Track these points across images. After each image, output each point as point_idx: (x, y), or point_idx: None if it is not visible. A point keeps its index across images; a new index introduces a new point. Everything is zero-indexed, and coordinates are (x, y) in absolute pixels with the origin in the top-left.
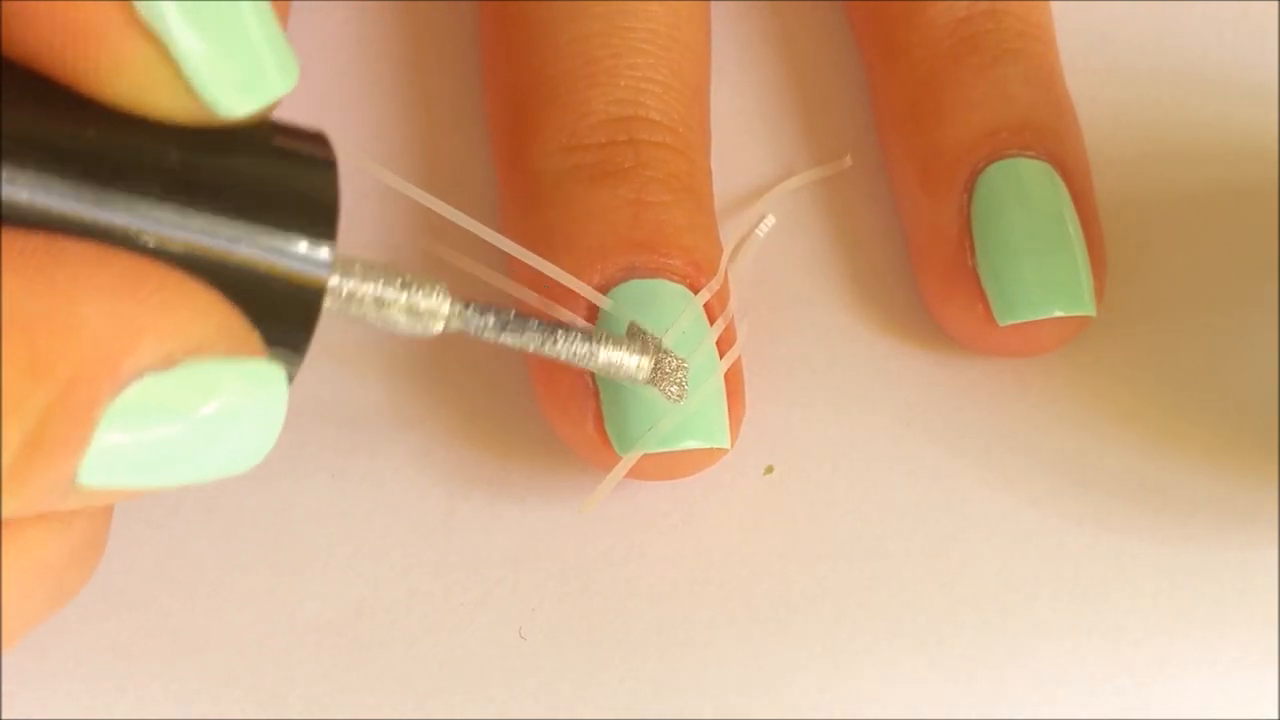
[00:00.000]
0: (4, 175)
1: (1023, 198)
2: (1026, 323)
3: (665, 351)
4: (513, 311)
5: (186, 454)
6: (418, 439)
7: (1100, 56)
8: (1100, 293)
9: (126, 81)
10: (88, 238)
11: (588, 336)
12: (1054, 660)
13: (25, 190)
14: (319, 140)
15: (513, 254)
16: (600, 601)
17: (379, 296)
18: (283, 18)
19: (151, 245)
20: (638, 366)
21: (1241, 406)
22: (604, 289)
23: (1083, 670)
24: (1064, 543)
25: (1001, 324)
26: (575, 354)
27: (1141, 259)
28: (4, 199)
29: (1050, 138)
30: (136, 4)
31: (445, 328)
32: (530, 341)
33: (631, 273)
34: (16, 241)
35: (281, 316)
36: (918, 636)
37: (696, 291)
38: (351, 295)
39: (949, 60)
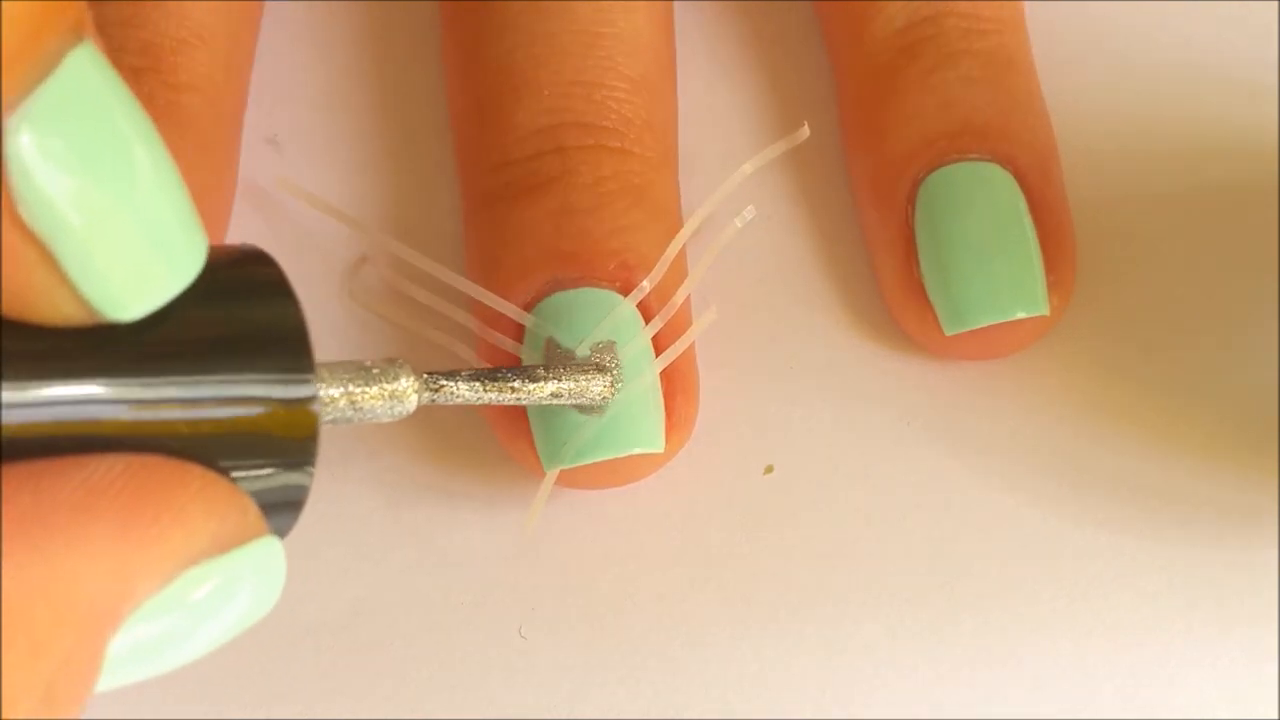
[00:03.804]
0: None
1: (963, 205)
2: (977, 329)
3: (579, 363)
4: (477, 371)
5: (188, 641)
6: (418, 439)
7: (1099, 56)
8: (1068, 288)
9: (7, 291)
10: (59, 445)
11: (539, 376)
12: (1054, 660)
13: None
14: (260, 259)
15: (441, 277)
16: (600, 601)
17: (349, 394)
18: (255, 19)
19: (127, 435)
20: (600, 394)
21: (1241, 406)
22: (530, 306)
23: (1083, 670)
24: (1064, 543)
25: (948, 334)
26: (533, 395)
27: (1141, 258)
28: None
29: (995, 137)
30: (20, 207)
31: (417, 403)
32: (495, 396)
33: (556, 285)
34: (5, 508)
35: (277, 454)
36: (917, 636)
37: (630, 292)
38: (324, 404)
39: (889, 72)
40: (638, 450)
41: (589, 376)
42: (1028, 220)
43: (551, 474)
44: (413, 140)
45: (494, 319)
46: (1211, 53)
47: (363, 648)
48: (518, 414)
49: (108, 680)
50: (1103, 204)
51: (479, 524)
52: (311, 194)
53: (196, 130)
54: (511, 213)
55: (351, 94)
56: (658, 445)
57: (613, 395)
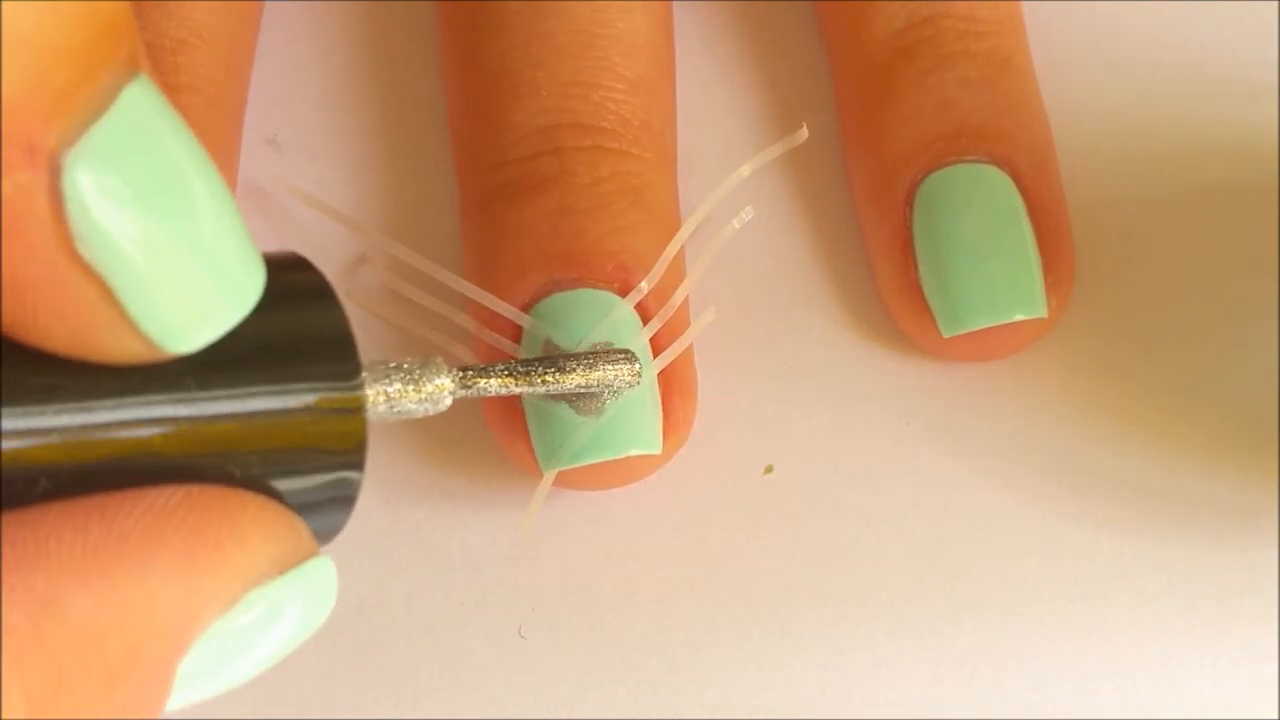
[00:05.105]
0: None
1: (960, 207)
2: (975, 331)
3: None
4: (508, 365)
5: (244, 661)
6: (418, 439)
7: (1099, 56)
8: (1066, 290)
9: (67, 330)
10: (117, 468)
11: (569, 367)
12: (1054, 660)
13: (58, 439)
14: (301, 266)
15: (438, 278)
16: (600, 601)
17: (388, 393)
18: (255, 19)
19: (180, 453)
20: (628, 381)
21: (1241, 406)
22: (528, 306)
23: (1083, 670)
24: (1064, 543)
25: (946, 335)
26: (563, 385)
27: (1141, 258)
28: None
29: (992, 139)
30: (79, 244)
31: (451, 401)
32: (526, 389)
33: (555, 286)
34: (76, 540)
35: (328, 458)
36: (917, 636)
37: (629, 293)
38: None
39: (886, 74)
40: (635, 451)
41: (616, 364)
42: (1026, 222)
43: (549, 475)
44: (412, 140)
45: (491, 319)
46: (1211, 53)
47: (363, 648)
48: (515, 416)
49: (172, 702)
50: (1102, 204)
51: (479, 524)
52: (310, 195)
53: (197, 131)
54: (509, 213)
55: (351, 94)
56: (655, 446)
57: (639, 382)
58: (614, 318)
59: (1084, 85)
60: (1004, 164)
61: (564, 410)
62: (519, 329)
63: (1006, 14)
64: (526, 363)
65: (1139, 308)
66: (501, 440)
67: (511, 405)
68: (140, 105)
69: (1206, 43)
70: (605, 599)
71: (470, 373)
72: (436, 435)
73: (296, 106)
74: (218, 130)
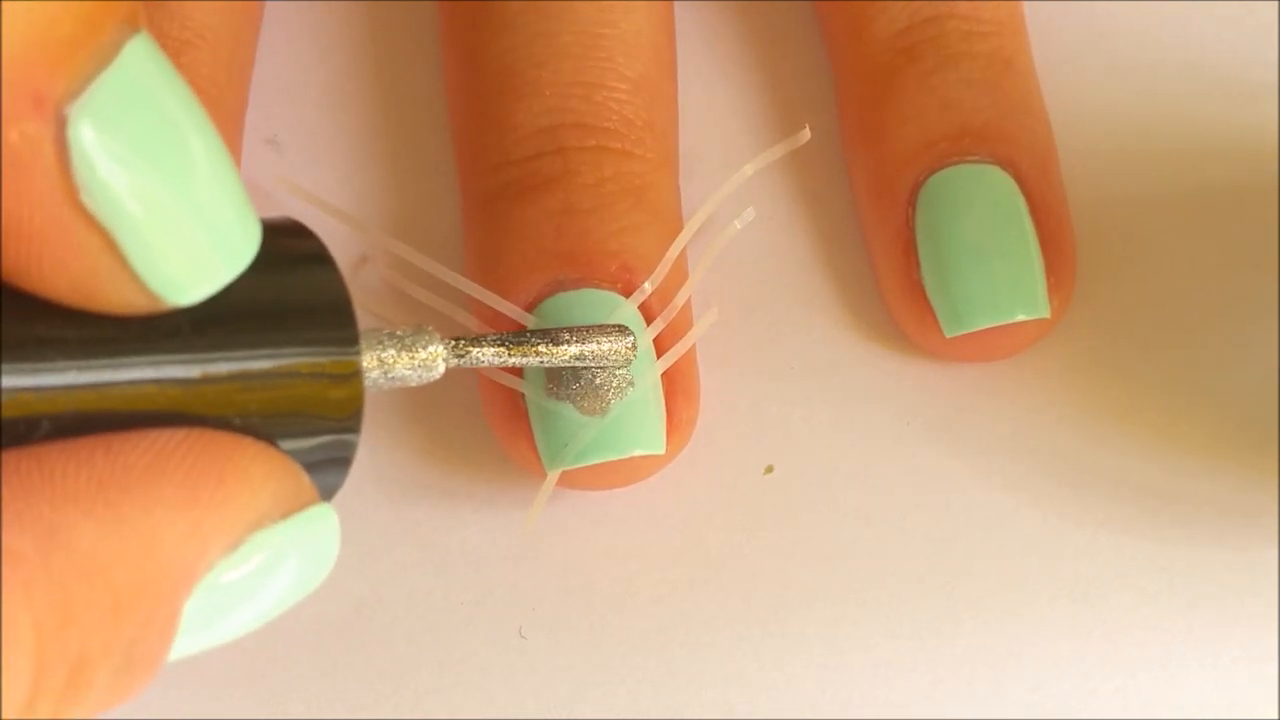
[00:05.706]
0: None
1: (963, 207)
2: (977, 331)
3: (585, 367)
4: (501, 335)
5: (248, 608)
6: (418, 438)
7: (1099, 56)
8: (1068, 290)
9: (69, 278)
10: (118, 423)
11: (562, 338)
12: (1054, 660)
13: (57, 395)
14: (300, 232)
15: (441, 277)
16: (600, 601)
17: (381, 358)
18: (256, 20)
19: (180, 411)
20: (623, 355)
21: (1241, 406)
22: (531, 306)
23: (1083, 670)
24: (1064, 543)
25: (948, 335)
26: (556, 357)
27: (1141, 258)
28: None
29: (994, 139)
30: (83, 195)
31: (445, 369)
32: (519, 360)
33: (558, 287)
34: (81, 472)
35: (325, 420)
36: (917, 636)
37: (632, 294)
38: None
39: (889, 73)
40: (638, 451)
41: (611, 338)
42: (1028, 222)
43: (553, 475)
44: (413, 140)
45: (495, 319)
46: (1211, 53)
47: (363, 648)
48: (517, 415)
49: (173, 650)
50: (1103, 204)
51: (479, 524)
52: (311, 194)
53: None
54: (512, 212)
55: (351, 94)
56: (658, 447)
57: (634, 356)
58: (618, 318)
59: (1084, 85)
60: (1006, 164)
61: (568, 410)
62: (522, 329)
63: (1008, 14)
64: (519, 333)
65: (1139, 308)
66: (503, 440)
67: (513, 405)
68: (141, 61)
69: (1206, 43)
70: (605, 599)
71: (463, 342)
72: (437, 435)
73: (296, 106)
74: (219, 131)
